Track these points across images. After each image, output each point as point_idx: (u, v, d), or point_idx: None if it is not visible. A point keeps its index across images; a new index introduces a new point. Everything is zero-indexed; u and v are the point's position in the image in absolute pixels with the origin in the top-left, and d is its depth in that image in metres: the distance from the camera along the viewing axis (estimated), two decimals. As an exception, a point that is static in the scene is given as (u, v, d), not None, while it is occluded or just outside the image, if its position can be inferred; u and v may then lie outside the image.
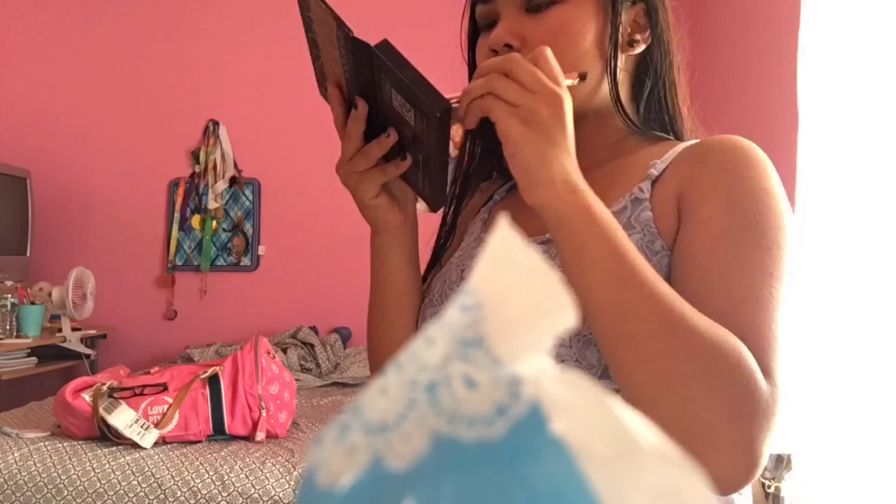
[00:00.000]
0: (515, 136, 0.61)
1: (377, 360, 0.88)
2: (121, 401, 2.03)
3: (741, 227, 0.66)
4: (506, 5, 0.76)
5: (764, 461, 0.60)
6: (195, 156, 3.80)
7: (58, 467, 1.89)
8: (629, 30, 0.78)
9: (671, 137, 0.83)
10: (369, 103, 0.72)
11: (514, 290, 0.21)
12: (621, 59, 0.78)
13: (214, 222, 3.78)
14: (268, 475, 1.88)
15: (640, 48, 0.79)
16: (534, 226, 0.77)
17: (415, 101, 0.66)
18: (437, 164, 0.72)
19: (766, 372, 0.60)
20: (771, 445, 0.60)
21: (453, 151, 0.78)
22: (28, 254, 3.57)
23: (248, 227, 3.80)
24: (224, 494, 1.84)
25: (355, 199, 0.79)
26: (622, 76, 0.79)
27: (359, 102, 0.72)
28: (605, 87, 0.79)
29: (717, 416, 0.57)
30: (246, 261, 3.79)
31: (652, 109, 0.83)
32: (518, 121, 0.61)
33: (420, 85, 0.65)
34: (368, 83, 0.70)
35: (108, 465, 1.89)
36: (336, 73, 0.73)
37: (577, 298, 0.60)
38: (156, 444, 2.00)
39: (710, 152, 0.73)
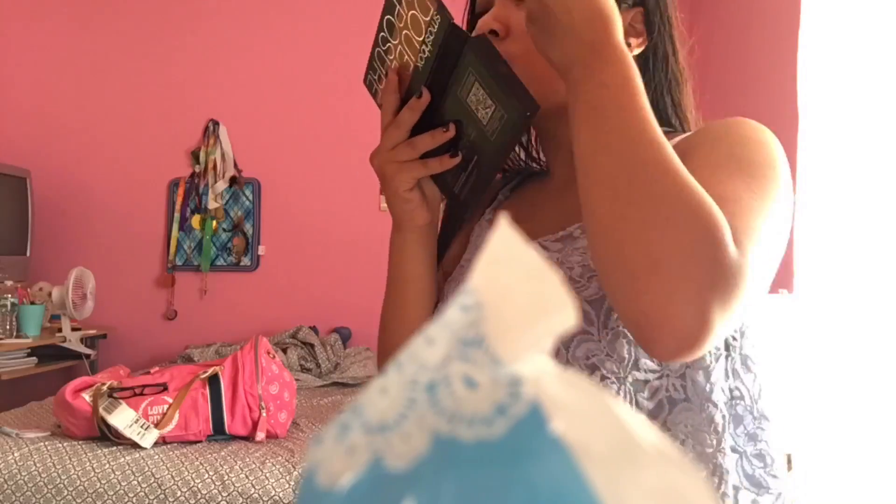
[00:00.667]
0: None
1: (388, 360, 0.83)
2: (121, 401, 2.03)
3: (728, 157, 0.67)
4: None
5: (714, 334, 0.54)
6: (195, 156, 3.80)
7: (58, 467, 1.89)
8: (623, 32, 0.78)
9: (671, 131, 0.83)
10: (432, 96, 0.72)
11: (514, 290, 0.21)
12: None
13: (214, 222, 3.78)
14: (268, 475, 1.88)
15: (633, 52, 0.78)
16: (539, 226, 0.78)
17: (500, 98, 0.66)
18: (488, 169, 0.72)
19: (739, 245, 0.56)
20: (727, 324, 0.55)
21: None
22: (28, 254, 3.57)
23: (248, 227, 3.80)
24: (224, 494, 1.84)
25: (388, 190, 0.77)
26: None
27: (424, 92, 0.71)
28: None
29: (668, 249, 0.54)
30: (246, 261, 3.79)
31: (657, 102, 0.81)
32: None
33: (513, 83, 0.66)
34: (442, 75, 0.70)
35: (108, 465, 1.89)
36: (404, 60, 0.74)
37: (575, 131, 0.61)
38: (156, 444, 2.00)
39: (711, 124, 0.75)
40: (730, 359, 0.72)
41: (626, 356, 0.68)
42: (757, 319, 0.77)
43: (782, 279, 2.20)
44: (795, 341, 1.60)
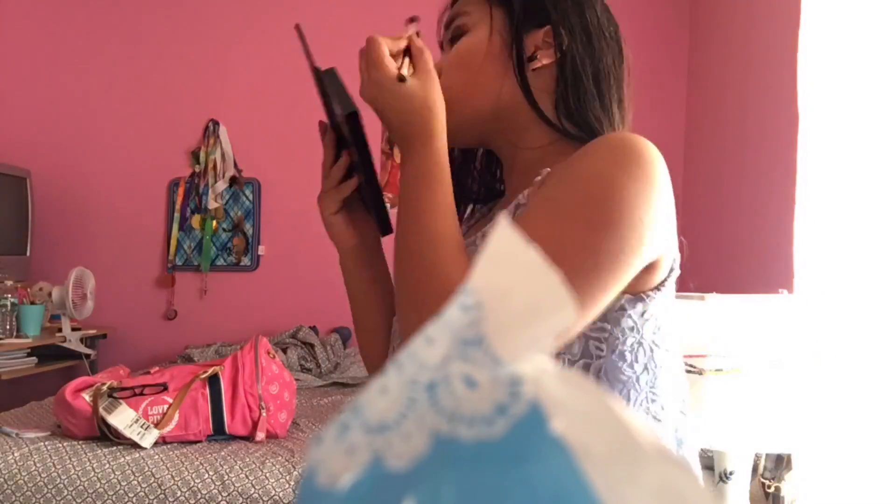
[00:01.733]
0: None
1: (368, 366, 1.02)
2: (121, 401, 2.03)
3: (557, 198, 0.74)
4: (445, 41, 0.91)
5: None
6: (195, 156, 3.80)
7: (58, 467, 1.89)
8: (532, 49, 0.86)
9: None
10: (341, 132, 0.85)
11: (513, 290, 0.21)
12: (533, 73, 0.87)
13: (214, 222, 3.78)
14: (268, 475, 1.88)
15: (542, 63, 0.86)
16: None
17: (331, 112, 0.79)
18: (369, 185, 0.85)
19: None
20: None
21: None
22: (28, 254, 3.57)
23: (248, 227, 3.80)
24: (224, 494, 1.84)
25: (321, 217, 0.94)
26: (543, 87, 0.87)
27: (322, 128, 0.88)
28: (522, 99, 0.87)
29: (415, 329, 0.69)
30: (246, 261, 3.79)
31: (570, 116, 0.87)
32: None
33: (338, 90, 0.79)
34: (330, 113, 0.84)
35: (108, 465, 1.89)
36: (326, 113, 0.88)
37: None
38: (156, 443, 2.00)
39: (587, 146, 0.78)
40: (591, 366, 0.78)
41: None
42: (646, 331, 0.79)
43: (782, 279, 2.20)
44: (795, 341, 1.60)
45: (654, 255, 0.75)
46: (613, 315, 0.77)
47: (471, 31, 0.87)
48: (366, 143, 0.83)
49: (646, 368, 0.78)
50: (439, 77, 0.80)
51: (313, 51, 0.83)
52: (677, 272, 0.82)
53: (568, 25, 0.86)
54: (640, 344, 0.78)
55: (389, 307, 0.96)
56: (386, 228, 0.92)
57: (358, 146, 0.82)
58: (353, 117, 0.79)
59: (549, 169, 0.81)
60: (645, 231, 0.71)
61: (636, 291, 0.77)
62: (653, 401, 0.79)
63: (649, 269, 0.76)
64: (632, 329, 0.78)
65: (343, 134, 0.84)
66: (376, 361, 0.98)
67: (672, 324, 0.82)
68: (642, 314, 0.78)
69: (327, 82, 0.81)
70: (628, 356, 0.78)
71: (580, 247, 0.69)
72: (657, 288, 0.79)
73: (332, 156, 0.91)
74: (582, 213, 0.71)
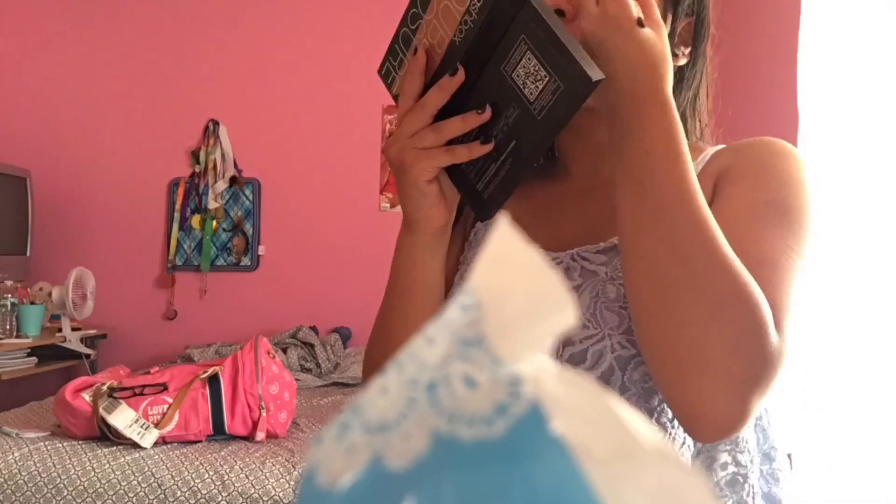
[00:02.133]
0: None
1: (378, 366, 0.78)
2: (121, 401, 2.03)
3: (767, 203, 0.68)
4: None
5: (752, 415, 0.58)
6: (195, 156, 3.80)
7: (58, 467, 1.89)
8: (676, 40, 0.76)
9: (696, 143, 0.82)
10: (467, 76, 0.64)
11: (514, 289, 0.21)
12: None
13: (214, 222, 3.78)
14: (268, 475, 1.88)
15: (681, 62, 0.77)
16: (565, 233, 0.77)
17: (559, 67, 0.58)
18: (528, 155, 0.63)
19: (778, 327, 0.59)
20: (764, 404, 0.59)
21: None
22: (28, 254, 3.57)
23: (248, 227, 3.80)
24: (224, 494, 1.84)
25: (404, 181, 0.67)
26: None
27: (459, 69, 0.63)
28: None
29: (714, 345, 0.56)
30: (246, 261, 3.79)
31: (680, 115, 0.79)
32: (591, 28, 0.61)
33: (577, 49, 0.58)
34: (482, 50, 0.63)
35: (108, 465, 1.89)
36: (437, 38, 0.66)
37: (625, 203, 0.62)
38: (156, 443, 2.00)
39: (745, 146, 0.75)
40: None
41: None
42: None
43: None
44: (795, 341, 1.60)
45: None
46: None
47: None
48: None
49: None
50: (576, 23, 0.64)
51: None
52: None
53: (707, 22, 0.77)
54: None
55: (442, 305, 0.74)
56: (488, 209, 0.68)
57: (555, 127, 0.61)
58: (596, 85, 0.58)
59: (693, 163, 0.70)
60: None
61: None
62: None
63: None
64: None
65: (483, 47, 0.63)
66: None
67: None
68: None
69: (546, 15, 0.59)
70: None
71: (788, 249, 0.65)
72: None
73: (419, 93, 0.65)
74: (788, 219, 0.67)
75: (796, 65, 2.18)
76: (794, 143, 2.20)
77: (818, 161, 2.03)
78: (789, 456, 1.91)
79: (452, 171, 0.68)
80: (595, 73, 0.57)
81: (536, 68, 0.59)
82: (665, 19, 0.72)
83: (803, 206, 0.68)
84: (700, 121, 0.82)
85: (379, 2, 3.75)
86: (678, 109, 0.74)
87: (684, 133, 0.76)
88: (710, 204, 0.67)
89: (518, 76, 0.61)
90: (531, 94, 0.60)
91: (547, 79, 0.59)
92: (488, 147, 0.64)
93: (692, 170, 0.61)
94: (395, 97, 0.69)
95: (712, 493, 0.19)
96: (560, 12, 0.65)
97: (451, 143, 0.65)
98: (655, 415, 0.69)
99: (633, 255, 0.61)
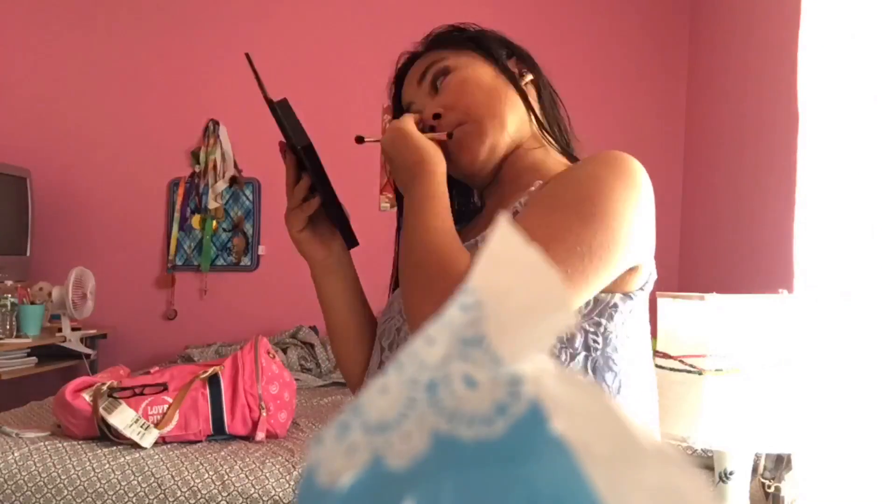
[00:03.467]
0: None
1: (347, 375, 1.07)
2: (121, 401, 2.03)
3: (556, 195, 0.82)
4: (418, 96, 0.99)
5: None
6: (195, 156, 3.80)
7: (58, 467, 1.89)
8: (516, 71, 0.99)
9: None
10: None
11: (513, 289, 0.21)
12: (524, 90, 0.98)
13: (214, 222, 3.78)
14: (268, 475, 1.88)
15: (528, 79, 0.99)
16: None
17: (289, 139, 0.88)
18: (330, 204, 0.94)
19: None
20: None
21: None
22: (28, 254, 3.57)
23: (248, 227, 3.80)
24: (224, 494, 1.84)
25: (290, 235, 1.00)
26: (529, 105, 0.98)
27: (282, 149, 0.97)
28: (524, 121, 0.98)
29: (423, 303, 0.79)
30: (246, 261, 3.79)
31: (551, 128, 1.00)
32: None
33: (291, 123, 0.88)
34: (287, 137, 0.93)
35: (108, 465, 1.89)
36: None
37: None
38: (156, 443, 2.00)
39: (583, 160, 0.88)
40: (589, 358, 0.84)
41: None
42: (631, 327, 0.87)
43: (782, 279, 2.20)
44: (795, 341, 1.60)
45: (639, 257, 0.85)
46: (608, 311, 0.85)
47: (460, 68, 0.96)
48: (321, 169, 0.93)
49: (631, 361, 0.87)
50: (447, 112, 0.94)
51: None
52: (655, 276, 0.91)
53: (524, 53, 1.03)
54: (628, 337, 0.86)
55: (363, 317, 1.05)
56: (351, 241, 1.01)
57: (315, 172, 0.92)
58: (309, 149, 0.90)
59: (540, 181, 0.90)
60: (632, 231, 0.81)
61: (625, 291, 0.86)
62: (635, 390, 0.88)
63: (633, 270, 0.85)
64: (623, 324, 0.86)
65: (300, 158, 0.93)
66: (355, 370, 1.04)
67: (646, 323, 0.93)
68: (630, 311, 0.87)
69: (282, 114, 0.90)
70: (620, 349, 0.85)
71: (574, 236, 0.77)
72: (641, 289, 0.88)
73: (294, 176, 0.98)
74: (576, 208, 0.79)
75: (796, 65, 2.18)
76: (794, 143, 2.20)
77: (818, 161, 2.03)
78: (789, 456, 1.91)
79: (328, 216, 1.00)
80: (300, 142, 0.92)
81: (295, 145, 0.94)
82: (499, 65, 0.97)
83: (590, 195, 0.80)
84: (560, 126, 1.01)
85: (379, 2, 3.75)
86: (542, 117, 1.01)
87: (525, 147, 0.99)
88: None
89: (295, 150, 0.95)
90: (303, 160, 0.96)
91: (299, 150, 0.94)
92: (315, 201, 0.98)
93: (440, 211, 0.84)
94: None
95: (712, 493, 0.19)
96: (438, 115, 0.96)
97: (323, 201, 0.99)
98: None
99: (402, 256, 0.85)
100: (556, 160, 0.98)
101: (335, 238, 1.02)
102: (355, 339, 1.04)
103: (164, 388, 2.09)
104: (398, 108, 1.05)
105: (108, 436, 1.99)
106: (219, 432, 2.10)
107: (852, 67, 1.91)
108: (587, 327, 0.84)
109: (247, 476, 1.87)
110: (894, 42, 1.79)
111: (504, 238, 0.21)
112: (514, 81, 0.97)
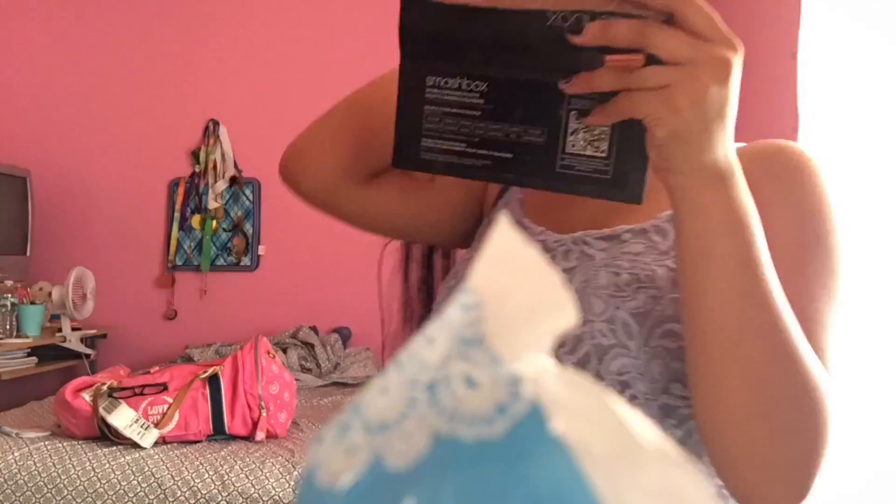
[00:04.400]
0: (684, 118, 0.49)
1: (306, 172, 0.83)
2: (121, 400, 2.03)
3: (809, 245, 0.62)
4: None
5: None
6: (195, 156, 3.80)
7: (58, 467, 1.89)
8: None
9: None
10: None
11: (514, 289, 0.21)
12: None
13: (214, 222, 3.78)
14: (268, 475, 1.88)
15: None
16: (577, 218, 0.72)
17: (624, 165, 0.52)
18: (508, 179, 0.61)
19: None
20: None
21: None
22: (28, 254, 3.57)
23: (248, 227, 3.80)
24: (224, 494, 1.84)
25: None
26: None
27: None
28: None
29: (796, 455, 0.57)
30: (246, 261, 3.79)
31: None
32: (687, 92, 0.48)
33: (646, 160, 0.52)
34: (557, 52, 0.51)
35: (107, 465, 1.89)
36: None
37: (689, 303, 0.55)
38: (156, 443, 2.00)
39: (767, 157, 0.66)
40: None
41: (659, 378, 0.65)
42: None
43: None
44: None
45: None
46: None
47: None
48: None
49: None
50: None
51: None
52: None
53: None
54: None
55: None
56: (408, 159, 0.57)
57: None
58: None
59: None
60: None
61: None
62: None
63: None
64: None
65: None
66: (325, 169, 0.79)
67: None
68: None
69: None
70: None
71: (832, 302, 0.62)
72: None
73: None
74: (828, 266, 0.63)
75: (796, 65, 2.18)
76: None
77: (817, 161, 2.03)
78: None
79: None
80: (639, 196, 0.53)
81: (601, 136, 0.52)
82: None
83: (839, 244, 0.63)
84: None
85: (379, 2, 3.75)
86: None
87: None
88: None
89: (574, 117, 0.52)
90: (572, 146, 0.52)
91: (602, 156, 0.52)
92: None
93: (759, 248, 0.54)
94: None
95: (712, 493, 0.19)
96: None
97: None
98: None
99: (726, 354, 0.54)
100: None
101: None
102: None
103: (164, 388, 2.09)
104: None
105: (108, 436, 1.99)
106: (219, 432, 2.10)
107: (852, 68, 1.91)
108: None
109: (247, 476, 1.87)
110: (895, 42, 1.79)
111: (504, 238, 0.21)
112: None
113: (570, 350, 0.65)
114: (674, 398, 0.64)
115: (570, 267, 0.69)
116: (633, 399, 0.64)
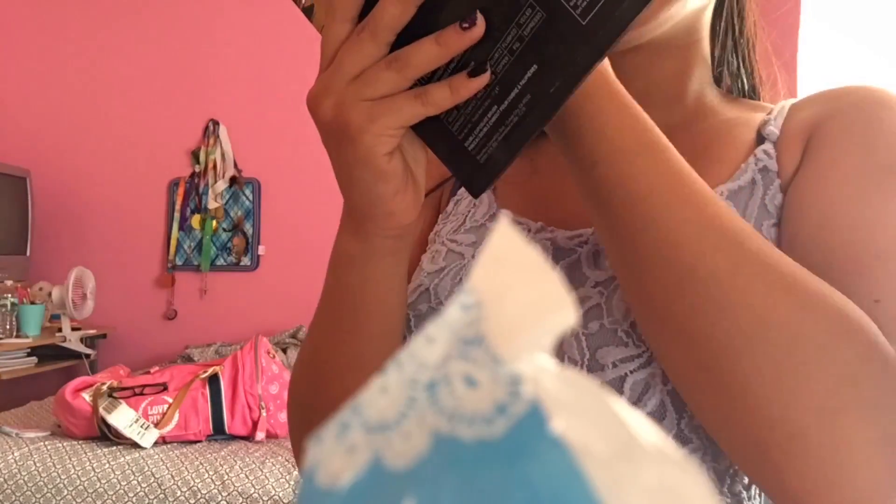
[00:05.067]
0: None
1: (315, 418, 0.56)
2: (120, 400, 2.03)
3: (880, 168, 0.49)
4: None
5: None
6: (195, 156, 3.80)
7: (58, 467, 1.89)
8: None
9: (755, 100, 0.64)
10: None
11: (514, 289, 0.21)
12: None
13: (214, 222, 3.78)
14: (268, 475, 1.88)
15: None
16: (575, 213, 0.59)
17: None
18: (559, 90, 0.39)
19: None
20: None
21: None
22: (28, 253, 3.57)
23: (248, 227, 3.80)
24: (224, 494, 1.84)
25: (349, 156, 0.44)
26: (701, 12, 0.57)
27: None
28: (697, 14, 0.56)
29: (824, 417, 0.39)
30: (246, 261, 3.79)
31: (729, 63, 0.62)
32: None
33: None
34: None
35: (107, 465, 1.89)
36: None
37: (632, 251, 0.43)
38: (155, 443, 2.00)
39: (837, 95, 0.55)
40: None
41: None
42: None
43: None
44: None
45: None
46: None
47: None
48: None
49: None
50: None
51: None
52: None
53: None
54: None
55: (392, 343, 0.54)
56: (485, 178, 0.43)
57: (611, 40, 0.38)
58: None
59: (771, 118, 0.55)
60: None
61: None
62: None
63: None
64: None
65: None
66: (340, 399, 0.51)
67: None
68: None
69: None
70: None
71: None
72: None
73: (356, 14, 0.41)
74: None
75: (796, 65, 2.18)
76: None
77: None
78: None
79: (424, 127, 0.43)
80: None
81: None
82: None
83: None
84: (750, 67, 0.63)
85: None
86: (734, 46, 0.61)
87: (752, 90, 0.61)
88: (799, 172, 0.52)
89: None
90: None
91: None
92: (484, 79, 0.40)
93: (679, 163, 0.43)
94: (319, 28, 0.46)
95: (713, 493, 0.19)
96: None
97: (418, 85, 0.42)
98: (728, 480, 0.51)
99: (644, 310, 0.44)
100: (727, 98, 0.61)
101: (424, 167, 0.48)
102: (370, 364, 0.53)
103: (164, 387, 2.09)
104: None
105: (108, 436, 1.99)
106: (219, 432, 2.11)
107: (852, 68, 1.91)
108: None
109: (247, 476, 1.87)
110: (894, 42, 1.79)
111: (505, 237, 0.21)
112: None
113: (634, 401, 0.50)
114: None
115: (606, 279, 0.54)
116: (733, 465, 0.51)
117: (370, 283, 0.50)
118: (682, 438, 0.49)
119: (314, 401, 0.56)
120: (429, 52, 0.39)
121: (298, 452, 0.59)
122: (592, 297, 0.53)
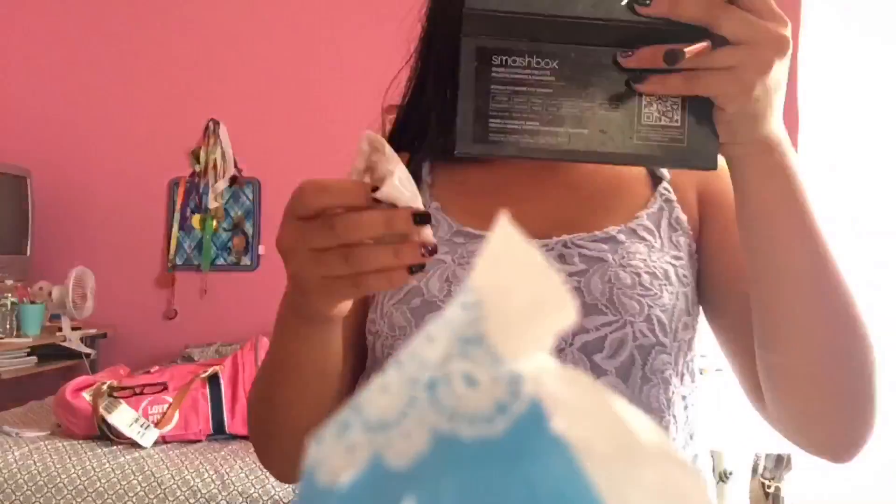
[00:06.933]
0: (754, 94, 0.51)
1: (281, 461, 0.69)
2: (121, 400, 2.03)
3: None
4: None
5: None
6: (195, 155, 3.80)
7: (58, 466, 1.89)
8: None
9: None
10: None
11: (514, 288, 0.21)
12: None
13: (214, 222, 3.78)
14: (268, 475, 1.88)
15: None
16: (549, 221, 0.71)
17: (700, 131, 0.53)
18: (558, 156, 0.53)
19: None
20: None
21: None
22: (28, 253, 3.57)
23: (248, 227, 3.80)
24: (224, 494, 1.84)
25: (301, 297, 0.56)
26: None
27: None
28: None
29: (862, 387, 0.64)
30: (246, 260, 3.79)
31: None
32: (754, 70, 0.51)
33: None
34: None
35: (107, 465, 1.89)
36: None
37: (762, 257, 0.60)
38: (156, 443, 2.00)
39: None
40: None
41: (685, 371, 0.70)
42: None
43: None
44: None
45: None
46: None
47: None
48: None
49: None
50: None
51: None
52: None
53: None
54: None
55: (332, 401, 0.64)
56: (474, 145, 0.53)
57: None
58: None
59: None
60: None
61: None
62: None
63: None
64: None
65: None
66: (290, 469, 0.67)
67: None
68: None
69: None
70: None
71: None
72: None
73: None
74: None
75: (796, 65, 2.18)
76: (794, 143, 2.21)
77: (818, 161, 2.03)
78: (789, 456, 1.91)
79: (467, 81, 0.53)
80: (715, 163, 0.54)
81: (673, 107, 0.53)
82: None
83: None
84: None
85: (379, 2, 3.75)
86: None
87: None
88: (709, 226, 0.73)
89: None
90: (647, 117, 0.52)
91: (677, 125, 0.53)
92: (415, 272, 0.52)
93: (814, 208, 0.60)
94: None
95: (711, 491, 0.19)
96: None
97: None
98: (670, 406, 0.69)
99: (809, 299, 0.62)
100: None
101: None
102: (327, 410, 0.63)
103: (164, 387, 2.09)
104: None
105: (108, 435, 1.99)
106: (219, 432, 2.11)
107: (852, 69, 1.91)
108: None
109: (247, 476, 1.87)
110: (894, 43, 1.79)
111: (504, 237, 0.21)
112: None
113: (610, 354, 0.66)
114: (688, 387, 0.71)
115: (580, 270, 0.68)
116: (673, 395, 0.69)
117: (313, 351, 0.62)
118: (644, 379, 0.67)
119: (278, 454, 0.70)
120: (377, 253, 0.50)
121: (263, 460, 0.72)
122: (569, 284, 0.56)
